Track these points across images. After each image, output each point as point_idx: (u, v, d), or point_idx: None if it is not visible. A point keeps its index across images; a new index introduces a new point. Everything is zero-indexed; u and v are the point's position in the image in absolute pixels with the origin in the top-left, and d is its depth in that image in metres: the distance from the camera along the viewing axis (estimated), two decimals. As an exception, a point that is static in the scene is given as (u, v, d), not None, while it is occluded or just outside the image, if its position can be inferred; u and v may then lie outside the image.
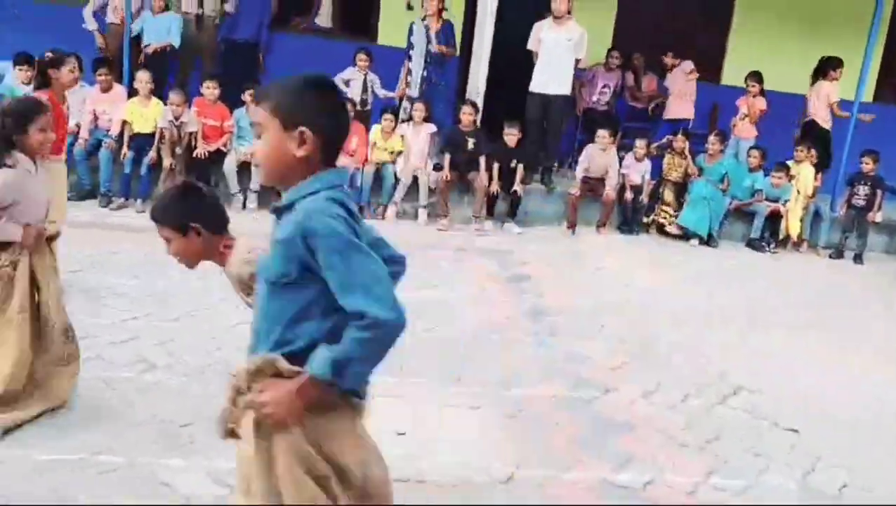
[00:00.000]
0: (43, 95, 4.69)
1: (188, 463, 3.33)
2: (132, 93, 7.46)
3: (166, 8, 8.23)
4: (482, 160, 7.80)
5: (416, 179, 7.81)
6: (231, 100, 7.66)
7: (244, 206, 7.44)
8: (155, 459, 3.33)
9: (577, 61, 8.27)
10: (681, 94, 9.29)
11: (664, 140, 8.91)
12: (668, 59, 9.40)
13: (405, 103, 8.29)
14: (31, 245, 3.45)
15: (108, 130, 7.25)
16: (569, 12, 8.10)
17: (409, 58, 8.24)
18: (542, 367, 4.64)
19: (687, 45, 9.49)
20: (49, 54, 4.94)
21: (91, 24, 8.31)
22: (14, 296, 3.41)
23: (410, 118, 8.00)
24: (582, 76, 9.22)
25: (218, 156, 7.41)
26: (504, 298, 5.87)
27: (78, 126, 7.19)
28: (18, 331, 3.42)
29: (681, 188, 8.42)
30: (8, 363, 3.41)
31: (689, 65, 9.26)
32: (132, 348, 4.36)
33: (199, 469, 3.29)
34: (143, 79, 7.41)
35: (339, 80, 8.32)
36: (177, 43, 8.20)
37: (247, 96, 7.57)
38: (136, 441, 3.45)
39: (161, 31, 8.12)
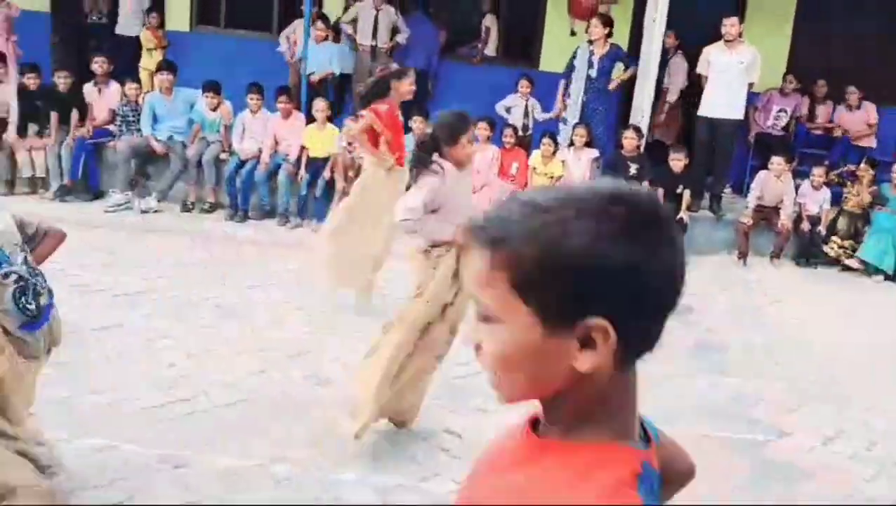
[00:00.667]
0: (382, 105, 5.09)
1: (358, 477, 3.45)
2: (310, 119, 7.89)
3: (327, 38, 8.65)
4: (646, 186, 7.61)
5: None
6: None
7: (408, 228, 7.65)
8: (327, 472, 3.47)
9: (750, 85, 7.94)
10: (861, 129, 8.82)
11: (845, 169, 8.35)
12: (853, 96, 8.86)
13: (564, 127, 8.27)
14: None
15: (287, 155, 7.70)
16: (740, 35, 7.80)
17: (568, 81, 8.22)
18: (710, 405, 4.45)
19: (867, 68, 8.88)
20: (394, 66, 5.24)
21: (283, 46, 8.89)
22: (429, 287, 3.53)
23: (572, 143, 7.96)
24: (755, 100, 8.83)
25: (386, 179, 7.68)
26: (667, 330, 5.67)
27: (260, 150, 7.69)
28: (412, 317, 3.54)
29: (860, 219, 7.84)
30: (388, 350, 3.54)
31: (872, 113, 8.72)
32: (307, 362, 4.58)
33: (367, 484, 3.40)
34: (319, 107, 7.83)
35: (500, 107, 8.44)
36: (338, 71, 8.61)
37: (414, 122, 7.82)
38: (310, 453, 3.61)
39: (323, 61, 8.56)
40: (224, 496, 3.24)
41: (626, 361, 0.91)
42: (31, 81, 7.83)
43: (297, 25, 8.89)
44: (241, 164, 7.66)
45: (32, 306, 2.68)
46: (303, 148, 7.71)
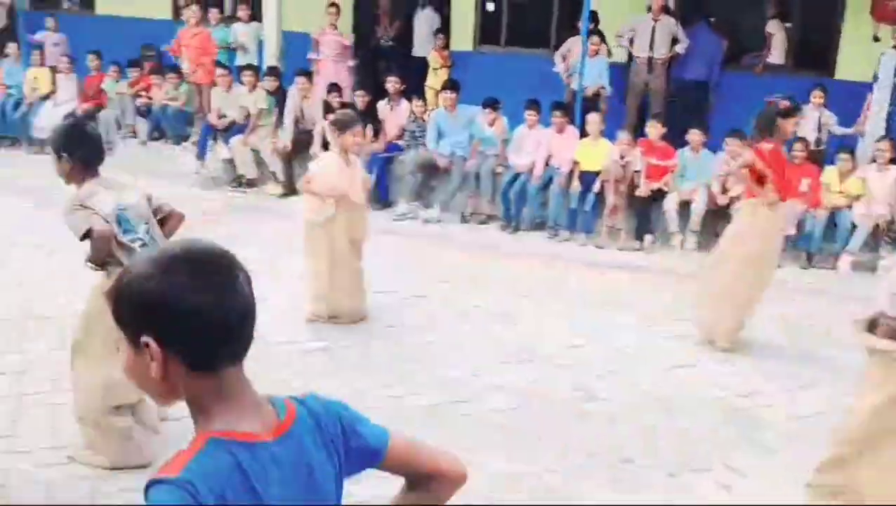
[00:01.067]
0: (766, 144, 4.97)
1: (623, 498, 3.38)
2: (584, 134, 7.93)
3: (598, 53, 8.59)
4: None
5: (877, 227, 6.99)
6: (677, 139, 7.70)
7: (682, 246, 7.38)
8: (592, 489, 3.45)
9: None
10: None
11: None
12: None
13: (863, 141, 7.52)
14: None
15: (559, 168, 7.79)
16: None
17: (872, 91, 7.47)
18: None
19: None
20: (785, 103, 5.06)
21: (559, 67, 9.03)
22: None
23: (874, 160, 7.20)
24: None
25: (660, 195, 7.49)
26: None
27: (534, 163, 7.85)
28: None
29: None
30: None
31: None
32: (576, 375, 4.60)
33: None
34: (592, 120, 7.84)
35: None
36: (607, 85, 8.55)
37: (692, 136, 7.54)
38: (574, 467, 3.61)
39: (595, 75, 8.54)
40: (492, 497, 3.33)
41: (199, 368, 1.22)
42: (334, 100, 8.68)
43: (572, 43, 8.97)
44: (516, 177, 7.88)
45: None
46: (575, 162, 7.76)
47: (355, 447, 1.37)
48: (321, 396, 1.37)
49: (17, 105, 9.97)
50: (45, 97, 9.91)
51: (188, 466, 1.17)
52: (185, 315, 1.20)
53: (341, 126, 5.21)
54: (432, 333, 5.12)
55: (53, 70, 10.02)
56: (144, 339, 1.21)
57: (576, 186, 7.64)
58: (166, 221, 3.51)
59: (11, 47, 10.37)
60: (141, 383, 1.26)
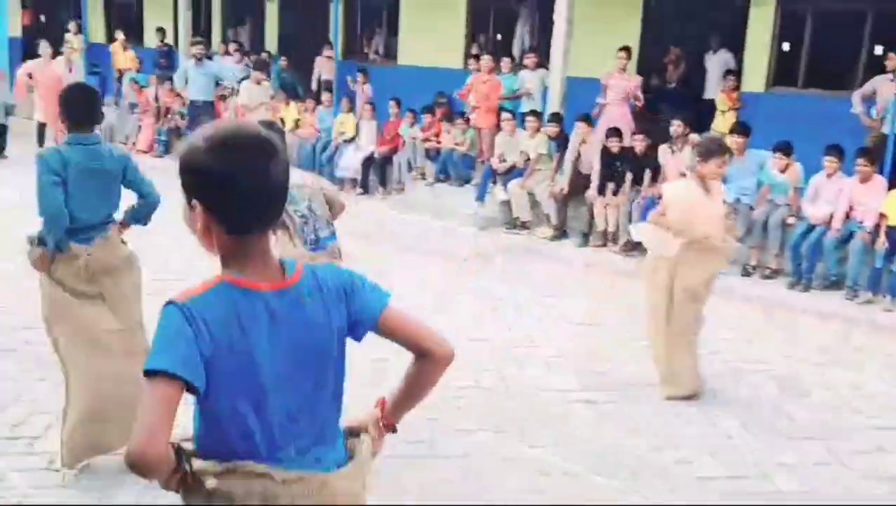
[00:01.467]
0: None
1: None
2: (892, 184, 7.07)
3: None
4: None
5: None
6: None
7: None
8: None
9: None
10: None
11: None
12: None
13: None
14: None
15: (862, 222, 7.00)
16: None
17: None
18: None
19: None
20: None
21: (857, 108, 8.21)
22: None
23: None
24: None
25: None
26: None
27: (832, 215, 7.14)
28: None
29: None
30: None
31: None
32: (880, 464, 4.04)
33: None
34: (907, 169, 6.97)
35: None
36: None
37: None
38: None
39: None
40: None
41: (234, 230, 1.56)
42: (613, 144, 8.60)
43: (878, 83, 8.08)
44: (810, 229, 7.21)
45: (312, 236, 3.88)
46: (882, 215, 6.92)
47: (356, 310, 1.66)
48: (336, 265, 1.72)
49: (325, 147, 11.13)
50: (350, 140, 10.95)
51: (196, 297, 1.52)
52: (223, 189, 1.51)
53: (705, 153, 4.59)
54: (709, 395, 4.79)
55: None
56: (193, 201, 1.54)
57: (882, 242, 6.80)
58: (332, 206, 4.05)
59: (325, 96, 11.63)
60: (193, 232, 1.58)
